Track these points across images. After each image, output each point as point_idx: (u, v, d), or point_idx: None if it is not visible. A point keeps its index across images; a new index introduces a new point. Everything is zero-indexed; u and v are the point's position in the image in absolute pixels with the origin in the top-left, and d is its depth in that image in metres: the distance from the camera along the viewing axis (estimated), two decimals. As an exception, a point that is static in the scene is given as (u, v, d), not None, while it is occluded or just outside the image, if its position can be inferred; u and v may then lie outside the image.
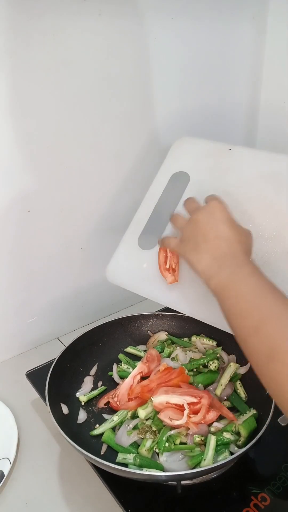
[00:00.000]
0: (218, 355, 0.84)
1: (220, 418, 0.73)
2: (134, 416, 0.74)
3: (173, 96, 0.95)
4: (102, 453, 0.71)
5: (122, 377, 0.83)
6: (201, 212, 0.64)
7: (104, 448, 0.72)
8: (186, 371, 0.80)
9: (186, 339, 0.90)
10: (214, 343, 0.88)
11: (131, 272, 0.77)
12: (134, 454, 0.68)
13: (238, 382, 0.80)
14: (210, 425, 0.71)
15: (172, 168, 0.81)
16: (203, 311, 0.71)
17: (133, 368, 0.83)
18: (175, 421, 0.69)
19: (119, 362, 0.87)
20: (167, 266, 0.74)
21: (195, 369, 0.82)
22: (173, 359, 0.85)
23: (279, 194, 0.69)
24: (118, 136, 0.92)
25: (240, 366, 0.81)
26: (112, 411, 0.78)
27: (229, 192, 0.70)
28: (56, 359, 0.79)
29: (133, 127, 0.93)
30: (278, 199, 0.69)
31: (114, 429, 0.74)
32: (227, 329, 0.59)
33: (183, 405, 0.71)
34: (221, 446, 0.68)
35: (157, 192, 0.80)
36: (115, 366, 0.86)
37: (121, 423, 0.74)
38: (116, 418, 0.74)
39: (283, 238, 0.67)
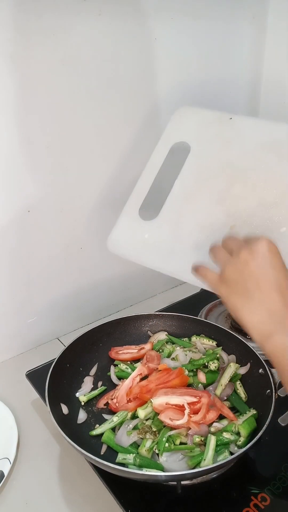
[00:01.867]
0: (218, 355, 0.84)
1: (220, 418, 0.73)
2: (134, 416, 0.74)
3: (173, 96, 0.95)
4: (102, 453, 0.71)
5: (121, 378, 0.83)
6: (250, 252, 0.55)
7: (104, 448, 0.72)
8: (186, 371, 0.80)
9: (186, 339, 0.90)
10: (214, 343, 0.88)
11: (133, 243, 0.77)
12: (134, 454, 0.68)
13: (238, 382, 0.80)
14: (210, 425, 0.71)
15: (172, 138, 0.79)
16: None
17: (132, 369, 0.83)
18: (176, 421, 0.69)
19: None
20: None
21: (195, 369, 0.82)
22: (173, 359, 0.85)
23: (281, 162, 0.69)
24: (120, 136, 0.92)
25: (240, 366, 0.81)
26: (112, 411, 0.78)
27: (230, 161, 0.69)
28: (56, 359, 0.79)
29: (135, 124, 0.93)
30: (280, 168, 0.69)
31: (113, 429, 0.74)
32: None
33: (183, 405, 0.71)
34: (221, 446, 0.68)
35: (157, 163, 0.79)
36: (112, 367, 0.86)
37: (121, 423, 0.74)
38: (116, 419, 0.74)
39: (284, 205, 0.67)
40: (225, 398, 0.78)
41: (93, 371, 0.86)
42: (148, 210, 0.77)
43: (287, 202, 0.67)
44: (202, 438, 0.69)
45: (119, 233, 0.79)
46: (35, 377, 0.86)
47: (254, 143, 0.72)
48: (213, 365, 0.81)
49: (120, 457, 0.68)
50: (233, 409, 0.76)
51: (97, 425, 0.75)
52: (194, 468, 0.65)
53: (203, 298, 1.08)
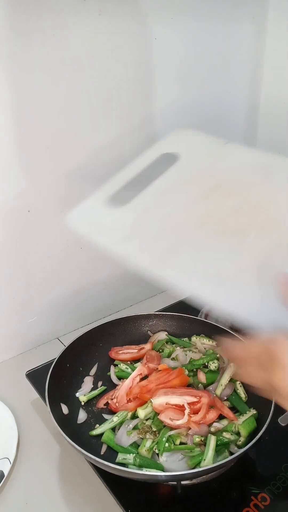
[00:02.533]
0: (218, 355, 0.84)
1: (220, 418, 0.73)
2: (134, 416, 0.74)
3: (173, 96, 0.95)
4: (102, 453, 0.71)
5: (121, 378, 0.83)
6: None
7: (104, 448, 0.72)
8: (186, 371, 0.80)
9: (186, 339, 0.90)
10: (214, 343, 0.88)
11: (91, 222, 0.75)
12: (134, 454, 0.68)
13: (238, 382, 0.80)
14: (210, 425, 0.71)
15: (163, 148, 0.79)
16: (164, 267, 0.63)
17: (132, 369, 0.83)
18: (176, 421, 0.69)
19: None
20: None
21: (195, 369, 0.82)
22: (173, 359, 0.85)
23: (271, 195, 0.68)
24: (119, 135, 0.92)
25: (240, 366, 0.81)
26: (112, 411, 0.78)
27: (215, 184, 0.70)
28: (56, 359, 0.79)
29: (134, 126, 0.93)
30: (267, 198, 0.67)
31: (114, 429, 0.74)
32: (196, 292, 0.55)
33: (183, 405, 0.71)
34: (221, 446, 0.68)
35: (142, 164, 0.78)
36: (112, 367, 0.86)
37: (121, 423, 0.74)
38: (116, 419, 0.74)
39: (271, 231, 0.66)
40: (225, 398, 0.78)
41: (93, 371, 0.86)
42: (117, 199, 0.76)
43: (274, 228, 0.66)
44: (202, 438, 0.69)
45: (82, 210, 0.76)
46: (35, 377, 0.86)
47: (244, 172, 0.71)
48: (213, 365, 0.81)
49: (120, 457, 0.68)
50: (233, 409, 0.76)
51: (97, 425, 0.75)
52: (194, 468, 0.65)
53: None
